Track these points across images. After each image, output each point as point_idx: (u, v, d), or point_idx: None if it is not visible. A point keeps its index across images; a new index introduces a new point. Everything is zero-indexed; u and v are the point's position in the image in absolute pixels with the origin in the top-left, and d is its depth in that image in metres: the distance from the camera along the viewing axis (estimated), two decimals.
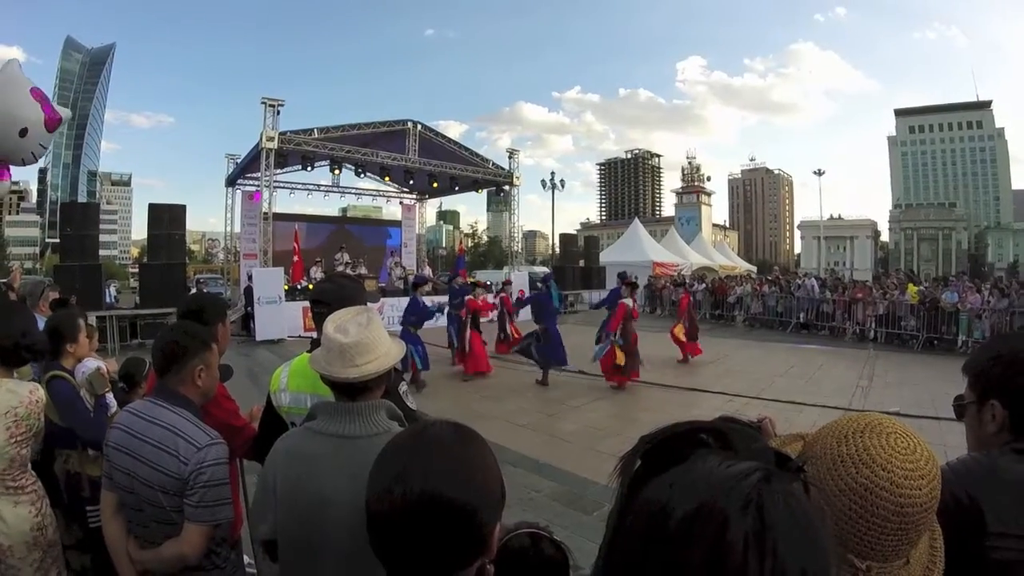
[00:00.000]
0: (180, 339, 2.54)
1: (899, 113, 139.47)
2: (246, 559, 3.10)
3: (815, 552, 0.64)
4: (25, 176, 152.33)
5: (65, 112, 6.97)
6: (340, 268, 23.62)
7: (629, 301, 12.24)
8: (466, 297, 13.69)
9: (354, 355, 1.86)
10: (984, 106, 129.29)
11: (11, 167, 7.24)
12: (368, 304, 2.49)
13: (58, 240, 21.96)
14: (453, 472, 1.15)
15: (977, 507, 1.48)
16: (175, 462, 2.25)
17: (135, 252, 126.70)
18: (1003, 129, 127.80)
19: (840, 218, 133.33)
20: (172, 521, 2.29)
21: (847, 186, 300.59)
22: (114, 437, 2.41)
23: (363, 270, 24.80)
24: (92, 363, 3.64)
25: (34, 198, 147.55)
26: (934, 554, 1.16)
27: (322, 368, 1.89)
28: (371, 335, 1.92)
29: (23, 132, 6.68)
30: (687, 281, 27.94)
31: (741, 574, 0.59)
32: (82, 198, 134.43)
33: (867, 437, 1.07)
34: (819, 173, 66.97)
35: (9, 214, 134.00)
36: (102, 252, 20.40)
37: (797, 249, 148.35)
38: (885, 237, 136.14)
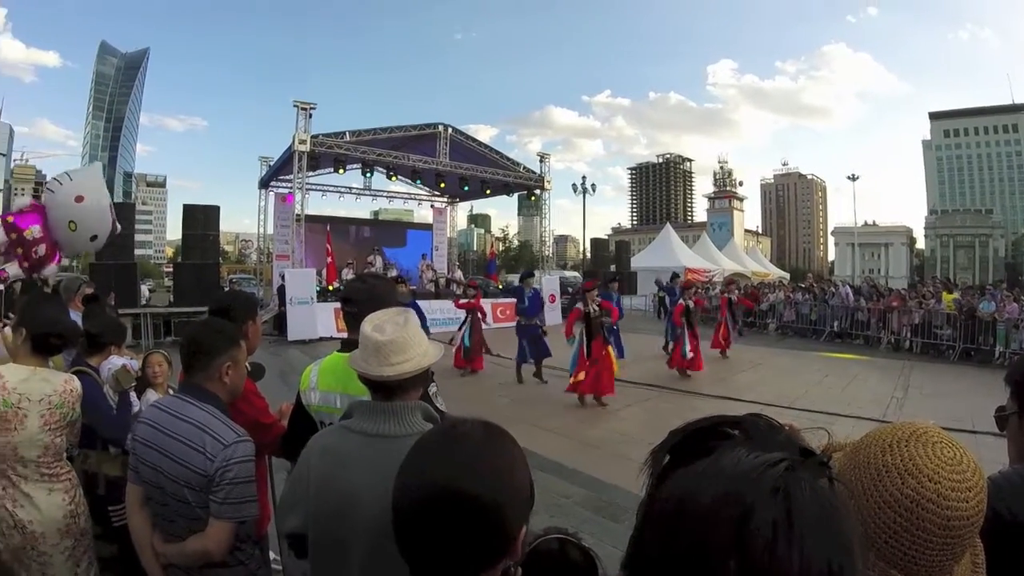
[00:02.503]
0: (208, 335, 2.56)
1: (934, 116, 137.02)
2: (272, 555, 3.11)
3: (841, 542, 0.64)
4: None
5: (117, 227, 7.69)
6: (372, 271, 23.73)
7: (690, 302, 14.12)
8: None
9: (389, 353, 1.87)
10: (1020, 109, 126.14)
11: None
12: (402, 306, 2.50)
13: None
14: (480, 470, 1.14)
15: (1020, 523, 1.45)
16: (202, 458, 2.26)
17: (170, 252, 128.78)
18: None
19: (875, 224, 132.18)
20: (197, 516, 2.30)
21: (881, 191, 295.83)
22: (141, 432, 2.44)
23: (395, 273, 24.93)
24: (117, 360, 3.67)
25: None
26: (976, 571, 1.12)
27: (359, 367, 1.91)
28: (407, 335, 1.93)
29: (93, 238, 7.34)
30: (720, 287, 27.75)
31: (767, 559, 0.60)
32: (118, 199, 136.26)
33: (913, 447, 1.03)
34: (853, 178, 66.57)
35: None
36: (137, 251, 20.79)
37: (831, 256, 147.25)
38: (921, 244, 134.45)
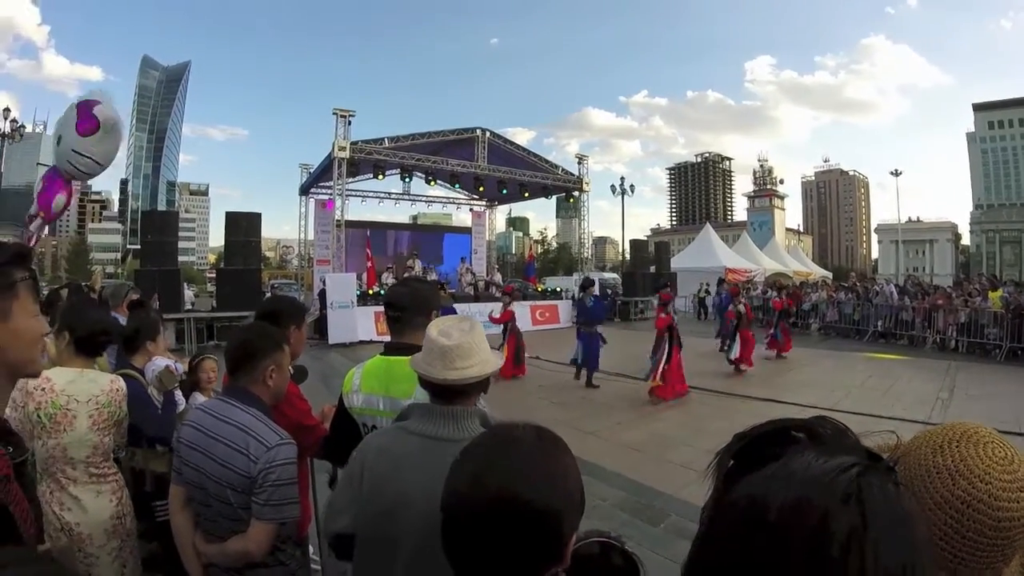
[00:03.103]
0: (253, 339, 2.60)
1: (977, 108, 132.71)
2: (312, 554, 3.15)
3: (914, 548, 0.64)
4: (107, 187, 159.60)
5: (108, 114, 7.38)
6: (413, 275, 23.84)
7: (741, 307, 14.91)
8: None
9: (455, 358, 1.90)
10: None
11: (74, 183, 7.86)
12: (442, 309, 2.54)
13: (139, 246, 22.74)
14: (535, 475, 1.14)
15: None
16: (245, 460, 2.30)
17: (212, 258, 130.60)
18: None
19: (919, 220, 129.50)
20: (239, 517, 2.34)
21: (925, 187, 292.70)
22: (185, 434, 2.48)
23: (435, 276, 25.02)
24: (161, 361, 3.75)
25: (116, 207, 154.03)
26: None
27: (422, 369, 1.93)
28: (473, 340, 1.96)
29: (58, 140, 7.34)
30: (766, 288, 27.48)
31: (842, 566, 0.60)
32: (161, 207, 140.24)
33: (963, 447, 1.03)
34: (896, 173, 65.19)
35: (92, 222, 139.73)
36: (181, 258, 21.08)
37: (874, 254, 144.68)
38: (966, 240, 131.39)
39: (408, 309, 2.63)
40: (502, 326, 13.72)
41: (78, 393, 2.94)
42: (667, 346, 11.40)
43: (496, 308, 14.79)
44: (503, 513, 1.09)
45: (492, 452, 1.20)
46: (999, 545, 0.98)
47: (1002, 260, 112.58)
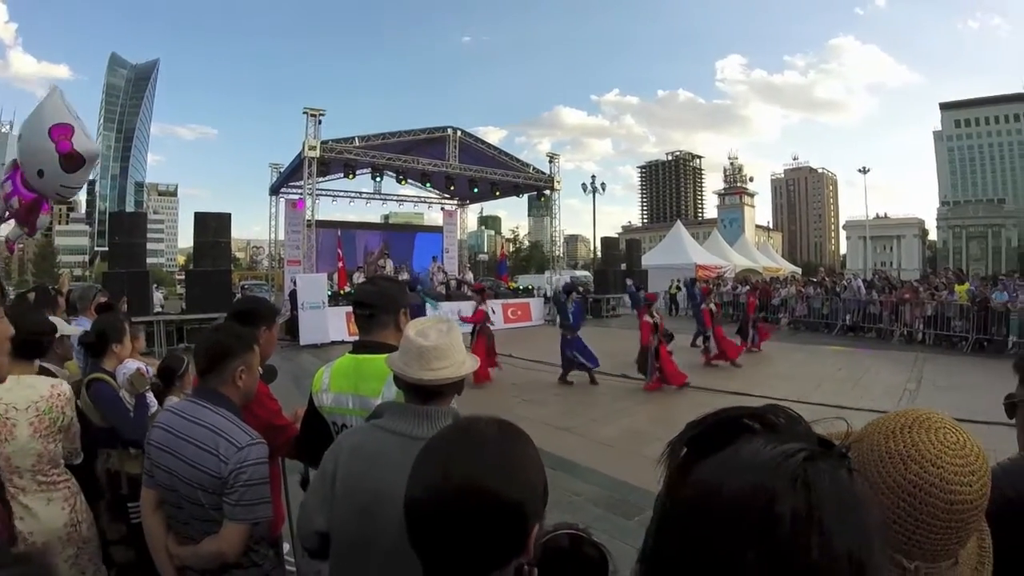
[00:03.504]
0: (222, 339, 2.59)
1: (945, 107, 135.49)
2: (287, 554, 3.14)
3: (862, 533, 0.64)
4: None
5: (90, 148, 7.17)
6: (382, 274, 23.77)
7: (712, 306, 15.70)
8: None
9: (431, 359, 1.92)
10: None
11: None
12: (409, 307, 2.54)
13: (107, 248, 22.47)
14: (496, 466, 1.14)
15: None
16: (216, 461, 2.29)
17: (181, 260, 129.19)
18: None
19: (886, 217, 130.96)
20: (212, 519, 2.33)
21: (893, 184, 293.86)
22: (156, 436, 2.46)
23: (406, 276, 24.94)
24: (133, 364, 3.75)
25: (83, 208, 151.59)
26: (983, 554, 1.12)
27: (399, 369, 1.94)
28: (450, 342, 1.98)
29: (40, 173, 7.00)
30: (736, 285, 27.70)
31: (789, 548, 0.61)
32: (130, 208, 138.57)
33: (915, 432, 1.03)
34: (864, 171, 66.09)
35: (59, 224, 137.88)
36: (149, 260, 20.89)
37: (843, 250, 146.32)
38: (933, 236, 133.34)
39: (376, 307, 2.64)
40: (472, 327, 13.30)
41: (16, 400, 2.83)
42: (654, 350, 11.71)
43: (466, 308, 14.69)
44: (464, 505, 1.10)
45: (454, 444, 1.21)
46: (953, 527, 1.00)
47: (968, 255, 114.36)
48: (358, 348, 2.63)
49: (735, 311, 23.06)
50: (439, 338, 1.95)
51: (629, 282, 16.03)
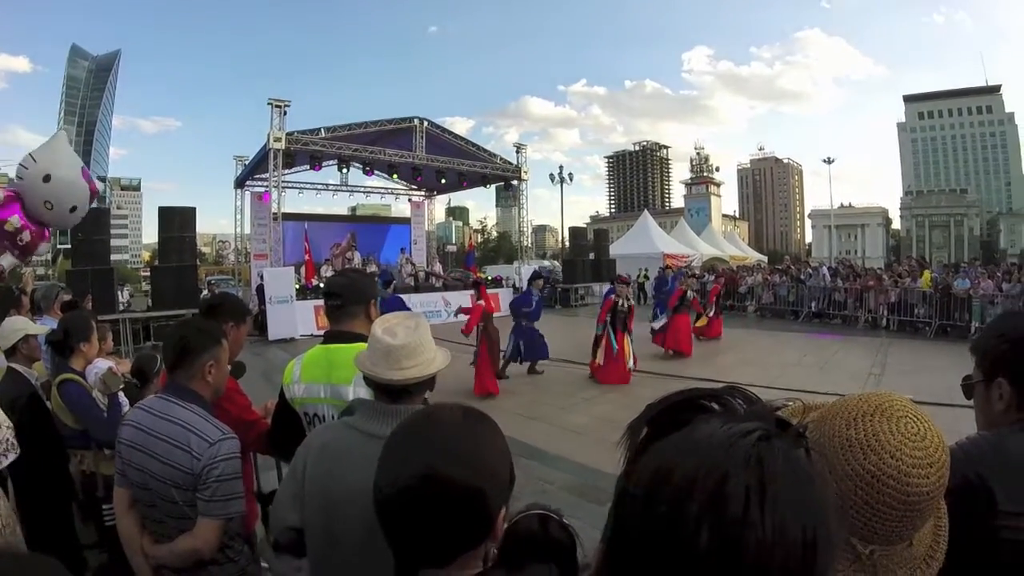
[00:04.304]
0: (190, 335, 2.57)
1: (908, 99, 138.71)
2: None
3: (815, 511, 0.65)
4: None
5: (99, 186, 7.47)
6: (351, 266, 23.62)
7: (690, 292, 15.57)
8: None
9: (400, 357, 1.89)
10: (994, 91, 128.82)
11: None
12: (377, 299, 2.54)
13: (69, 246, 22.01)
14: (459, 453, 1.16)
15: (987, 487, 1.50)
16: (187, 457, 2.28)
17: (146, 256, 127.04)
18: (1013, 114, 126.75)
19: (851, 206, 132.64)
20: (185, 516, 2.32)
21: (857, 174, 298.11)
22: (126, 434, 2.44)
23: (374, 268, 24.81)
24: (103, 363, 3.68)
25: None
26: (938, 534, 1.13)
27: (367, 368, 1.92)
28: (418, 339, 1.95)
29: (73, 209, 7.25)
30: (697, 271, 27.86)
31: (740, 526, 0.61)
32: (92, 204, 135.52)
33: (876, 421, 1.04)
34: (829, 161, 66.79)
35: None
36: (114, 256, 20.44)
37: (808, 238, 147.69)
38: (897, 225, 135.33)
39: (346, 298, 2.64)
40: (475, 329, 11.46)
41: None
42: (609, 331, 11.65)
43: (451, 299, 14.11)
44: (426, 493, 1.11)
45: (415, 434, 1.22)
46: (909, 516, 1.01)
47: (931, 243, 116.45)
48: (329, 338, 2.64)
49: (702, 299, 23.35)
50: (407, 336, 1.93)
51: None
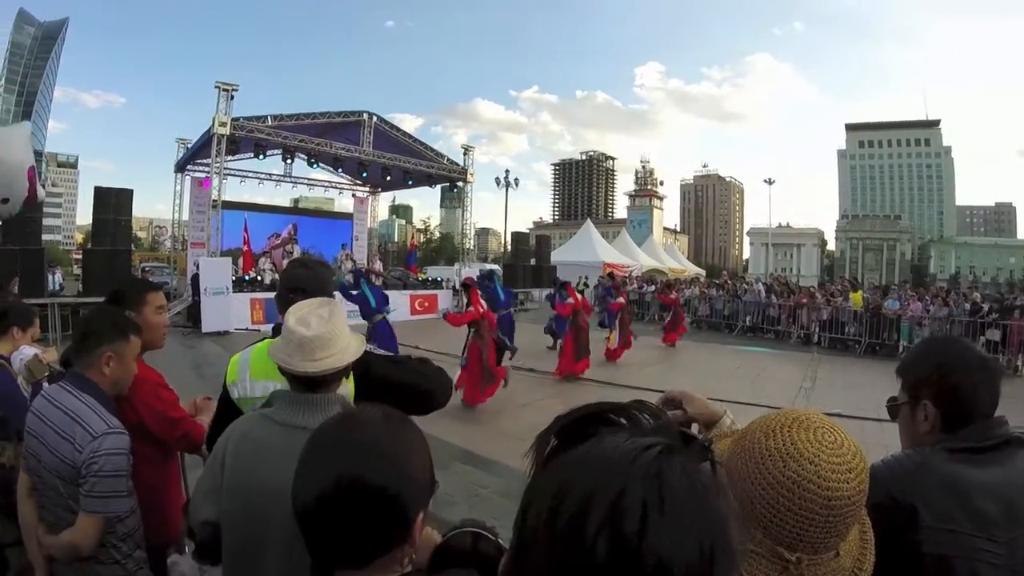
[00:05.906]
0: (91, 322, 2.54)
1: (850, 128, 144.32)
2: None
3: (714, 523, 0.66)
4: None
5: (41, 193, 7.26)
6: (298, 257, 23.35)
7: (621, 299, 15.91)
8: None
9: (314, 349, 1.85)
10: (933, 124, 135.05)
11: None
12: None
13: None
14: (376, 456, 1.16)
15: (910, 503, 1.56)
16: (71, 449, 2.23)
17: (79, 237, 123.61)
18: (950, 148, 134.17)
19: (788, 226, 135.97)
20: (71, 508, 2.27)
21: (796, 195, 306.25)
22: (28, 421, 2.40)
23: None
24: (29, 350, 3.55)
25: None
26: (864, 546, 1.17)
27: (281, 360, 1.87)
28: (332, 329, 1.91)
29: (5, 200, 6.96)
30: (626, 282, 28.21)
31: (637, 540, 0.62)
32: (24, 210, 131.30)
33: (794, 431, 1.08)
34: (769, 182, 68.33)
35: None
36: (45, 236, 19.85)
37: (746, 255, 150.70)
38: (832, 246, 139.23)
39: (310, 292, 2.50)
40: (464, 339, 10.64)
41: None
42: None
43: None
44: (345, 495, 1.11)
45: (332, 438, 1.22)
46: (831, 522, 1.04)
47: (864, 265, 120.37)
48: (278, 332, 2.55)
49: (639, 309, 23.75)
50: (320, 326, 1.89)
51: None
